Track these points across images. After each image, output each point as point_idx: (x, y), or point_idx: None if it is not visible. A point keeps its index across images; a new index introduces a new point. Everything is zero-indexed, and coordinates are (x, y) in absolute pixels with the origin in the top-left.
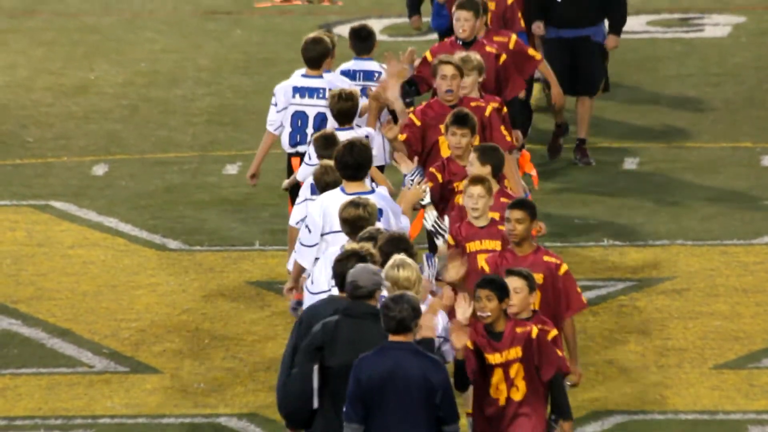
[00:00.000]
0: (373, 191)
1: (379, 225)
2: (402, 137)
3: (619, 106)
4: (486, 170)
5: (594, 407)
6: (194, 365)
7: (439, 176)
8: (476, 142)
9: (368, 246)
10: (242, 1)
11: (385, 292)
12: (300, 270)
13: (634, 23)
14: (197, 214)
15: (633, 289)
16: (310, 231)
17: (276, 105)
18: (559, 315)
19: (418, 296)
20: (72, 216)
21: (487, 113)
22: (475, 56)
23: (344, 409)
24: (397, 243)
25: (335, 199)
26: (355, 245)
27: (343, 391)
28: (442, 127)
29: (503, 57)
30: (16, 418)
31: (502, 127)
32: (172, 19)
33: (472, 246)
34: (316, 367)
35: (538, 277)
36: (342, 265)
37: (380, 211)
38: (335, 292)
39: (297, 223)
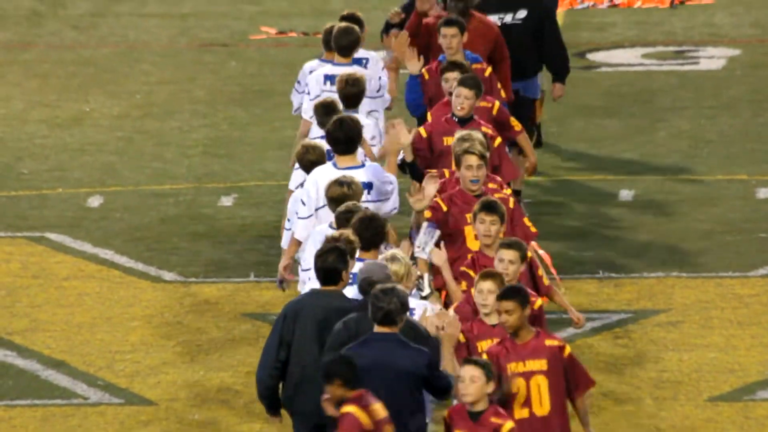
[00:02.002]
0: (363, 165)
1: (365, 198)
2: (428, 214)
3: (614, 138)
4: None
5: None
6: (189, 397)
7: (471, 273)
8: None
9: (347, 234)
10: (237, 33)
11: None
12: (296, 244)
13: (629, 56)
14: (192, 246)
15: (628, 321)
16: (304, 204)
17: (309, 94)
18: (570, 396)
19: (407, 290)
20: (67, 248)
21: (511, 204)
22: (477, 135)
23: None
24: (368, 224)
25: (327, 173)
26: (336, 234)
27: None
28: (468, 216)
29: (498, 140)
30: None
31: (526, 218)
32: (168, 51)
33: (483, 345)
34: None
35: (542, 363)
36: (323, 259)
37: (369, 184)
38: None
39: (296, 187)
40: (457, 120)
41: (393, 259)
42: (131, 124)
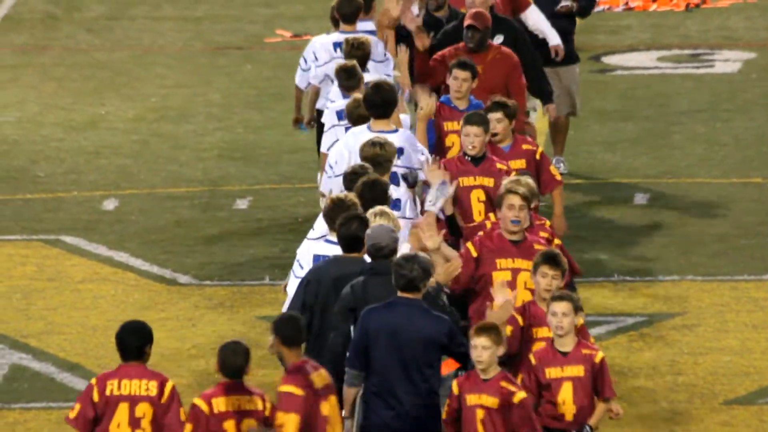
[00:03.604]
0: (396, 130)
1: (395, 163)
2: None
3: (629, 141)
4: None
5: None
6: None
7: (520, 319)
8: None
9: (351, 196)
10: (252, 37)
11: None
12: None
13: (644, 59)
14: (207, 249)
15: (643, 325)
16: (336, 162)
17: (317, 60)
18: None
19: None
20: (82, 250)
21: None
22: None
23: (347, 355)
24: (371, 187)
25: (361, 135)
26: (341, 195)
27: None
28: (498, 261)
29: (540, 150)
30: None
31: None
32: (183, 54)
33: (472, 399)
34: (352, 327)
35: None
36: (346, 227)
37: (401, 149)
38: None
39: (328, 148)
40: (470, 159)
41: (381, 214)
42: (146, 128)
